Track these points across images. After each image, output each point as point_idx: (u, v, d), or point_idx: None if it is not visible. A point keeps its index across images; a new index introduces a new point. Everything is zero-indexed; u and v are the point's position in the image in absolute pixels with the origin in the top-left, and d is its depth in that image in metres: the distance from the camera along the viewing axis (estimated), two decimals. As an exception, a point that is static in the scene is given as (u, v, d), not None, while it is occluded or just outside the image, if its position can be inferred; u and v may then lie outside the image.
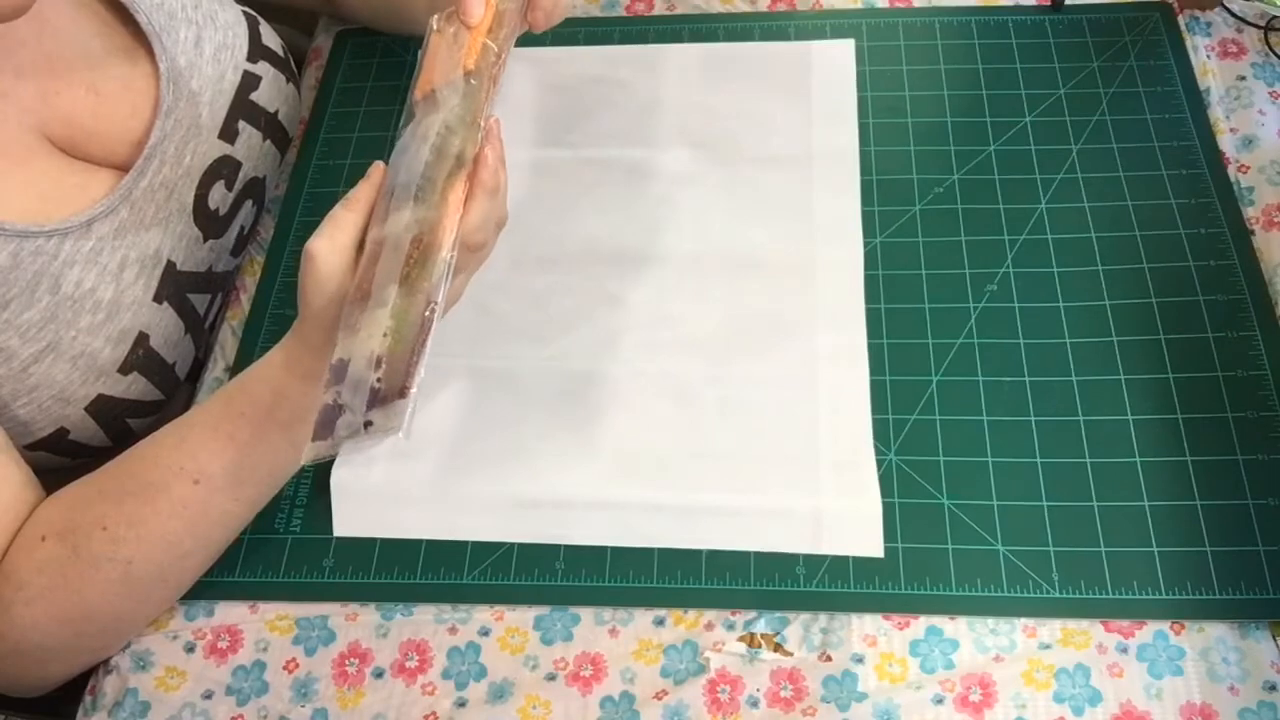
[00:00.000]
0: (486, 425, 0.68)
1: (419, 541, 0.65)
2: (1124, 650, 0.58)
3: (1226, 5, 0.80)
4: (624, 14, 0.88)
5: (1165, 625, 0.59)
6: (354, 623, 0.63)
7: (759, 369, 0.68)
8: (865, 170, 0.76)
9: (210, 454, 0.58)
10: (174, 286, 0.67)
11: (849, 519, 0.63)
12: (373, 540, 0.65)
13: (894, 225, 0.73)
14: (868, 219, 0.74)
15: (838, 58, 0.82)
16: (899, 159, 0.77)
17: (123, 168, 0.64)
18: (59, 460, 0.66)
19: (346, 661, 0.62)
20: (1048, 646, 0.59)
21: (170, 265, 0.66)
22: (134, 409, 0.67)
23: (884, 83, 0.81)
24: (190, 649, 0.63)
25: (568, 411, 0.68)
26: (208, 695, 0.62)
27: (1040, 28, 0.82)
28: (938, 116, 0.78)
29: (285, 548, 0.66)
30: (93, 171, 0.64)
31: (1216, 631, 0.58)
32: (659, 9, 0.88)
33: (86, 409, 0.64)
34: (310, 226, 0.77)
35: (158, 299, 0.65)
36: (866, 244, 0.73)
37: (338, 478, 0.66)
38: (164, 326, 0.66)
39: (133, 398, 0.66)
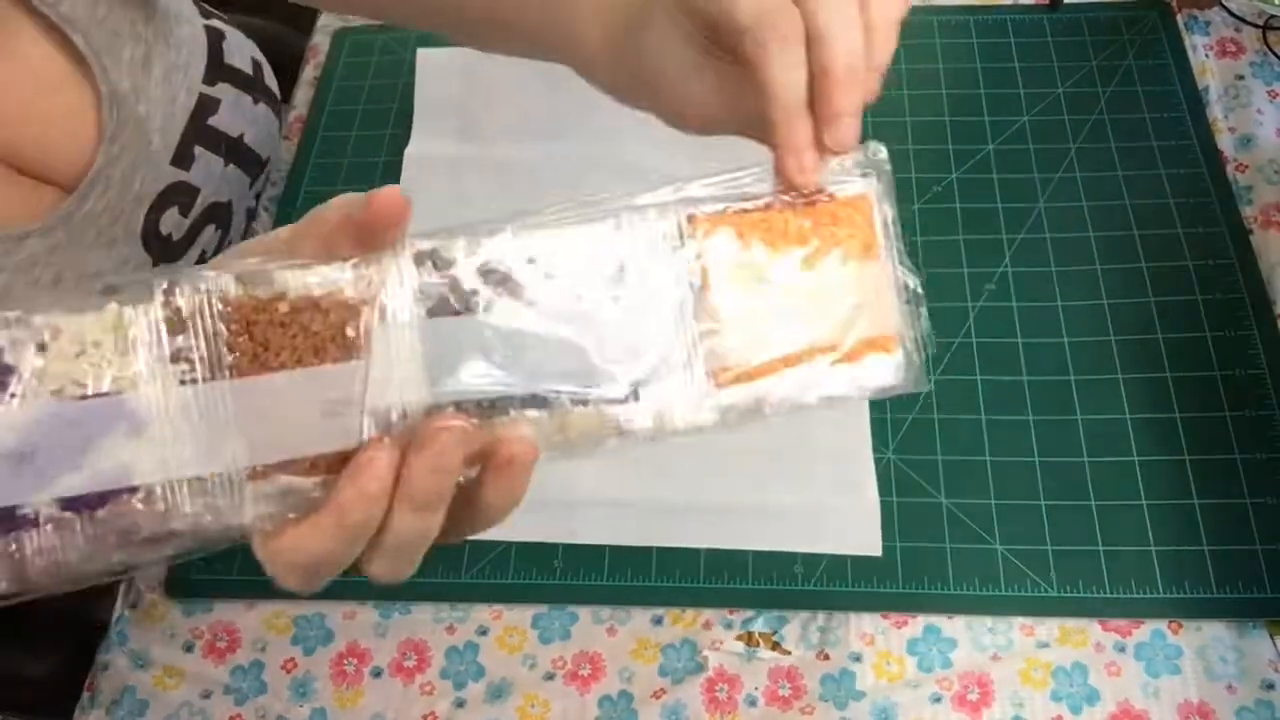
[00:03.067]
0: None
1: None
2: (1121, 649, 0.58)
3: (1225, 4, 0.80)
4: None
5: (1163, 624, 0.59)
6: (352, 621, 0.63)
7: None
8: (864, 169, 0.76)
9: None
10: None
11: (847, 518, 0.63)
12: (371, 539, 0.65)
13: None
14: (866, 218, 0.74)
15: None
16: (897, 158, 0.75)
17: (69, 188, 0.61)
18: None
19: (345, 661, 0.62)
20: (1045, 645, 0.59)
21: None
22: None
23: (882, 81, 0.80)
24: (189, 648, 0.63)
25: None
26: (206, 695, 0.62)
27: (1038, 26, 0.82)
28: (936, 115, 0.78)
29: (283, 546, 0.65)
30: (40, 187, 0.61)
31: (1214, 630, 0.58)
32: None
33: None
34: (308, 225, 0.78)
35: None
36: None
37: None
38: None
39: None
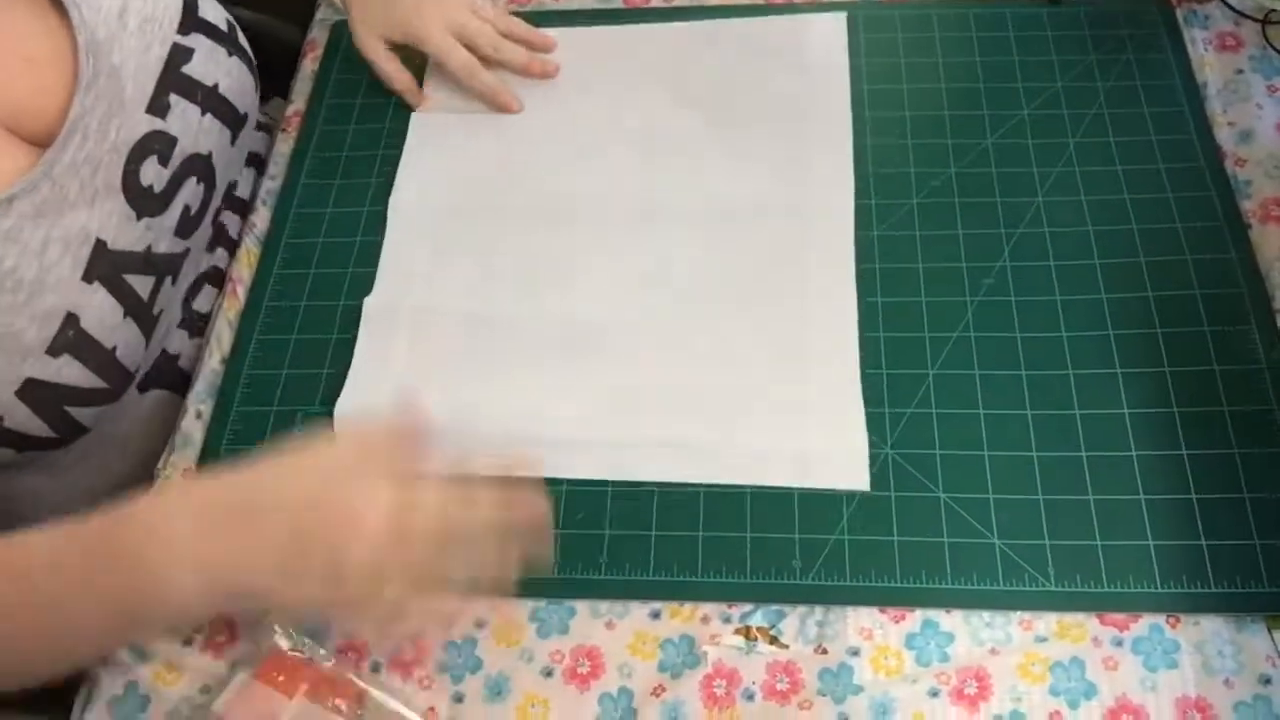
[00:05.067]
0: (483, 369, 0.70)
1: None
2: (1119, 643, 0.58)
3: (1224, -2, 0.80)
4: (622, 6, 0.88)
5: (1161, 619, 0.59)
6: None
7: (751, 314, 0.70)
8: (862, 165, 0.76)
9: None
10: (107, 266, 0.63)
11: (835, 453, 0.65)
12: (369, 533, 0.65)
13: (891, 219, 0.73)
14: (864, 212, 0.74)
15: (830, 28, 0.83)
16: (896, 152, 0.77)
17: (42, 144, 0.61)
18: (3, 452, 0.64)
19: (343, 655, 0.62)
20: (1043, 639, 0.59)
21: (100, 244, 0.63)
22: (72, 396, 0.64)
23: (881, 76, 0.80)
24: (188, 642, 0.63)
25: (563, 356, 0.70)
26: (206, 690, 0.62)
27: (1038, 21, 0.82)
28: (935, 110, 0.78)
29: (282, 541, 0.65)
30: (12, 145, 0.61)
31: (1212, 625, 0.58)
32: (656, 1, 0.87)
33: (17, 394, 0.61)
34: (306, 218, 0.79)
35: (87, 278, 0.62)
36: (864, 237, 0.73)
37: (341, 408, 0.69)
38: (97, 308, 0.63)
39: (68, 383, 0.63)
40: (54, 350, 0.61)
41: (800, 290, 0.71)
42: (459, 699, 0.60)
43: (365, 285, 0.74)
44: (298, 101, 0.86)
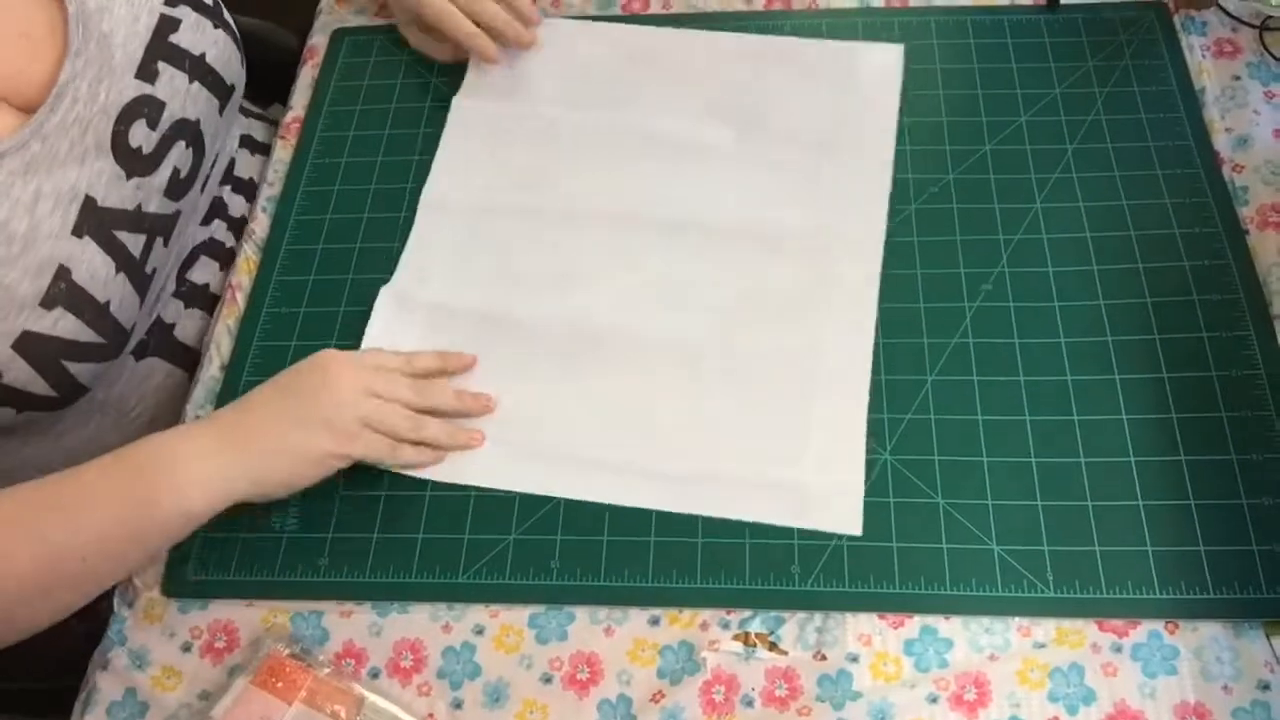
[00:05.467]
0: (493, 372, 0.70)
1: (415, 540, 0.65)
2: (1118, 649, 0.58)
3: (1222, 5, 0.80)
4: (620, 12, 0.88)
5: (1159, 625, 0.59)
6: (348, 621, 0.63)
7: (766, 343, 0.70)
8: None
9: None
10: (96, 222, 0.66)
11: (831, 495, 0.64)
12: (368, 539, 0.65)
13: (890, 224, 0.73)
14: (863, 218, 0.74)
15: (886, 59, 0.82)
16: (895, 158, 0.77)
17: (33, 110, 0.64)
18: (3, 412, 0.66)
19: (342, 661, 0.62)
20: (1042, 646, 0.59)
21: (90, 200, 0.65)
22: (68, 350, 0.65)
23: (880, 82, 0.81)
24: (187, 648, 0.63)
25: (573, 366, 0.70)
26: (204, 696, 0.62)
27: (1036, 27, 0.82)
28: (933, 116, 0.78)
29: (281, 546, 0.66)
30: (4, 110, 0.63)
31: (1210, 631, 0.58)
32: (655, 8, 0.87)
33: (14, 346, 0.62)
34: (306, 225, 0.79)
35: (77, 233, 0.64)
36: (862, 243, 0.73)
37: None
38: (88, 261, 0.65)
39: (64, 336, 0.64)
40: (47, 303, 0.63)
41: (819, 325, 0.70)
42: (458, 705, 0.60)
43: (365, 291, 0.74)
44: (297, 108, 0.86)
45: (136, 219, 0.69)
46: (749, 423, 0.67)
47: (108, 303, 0.67)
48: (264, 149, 0.88)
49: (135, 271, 0.69)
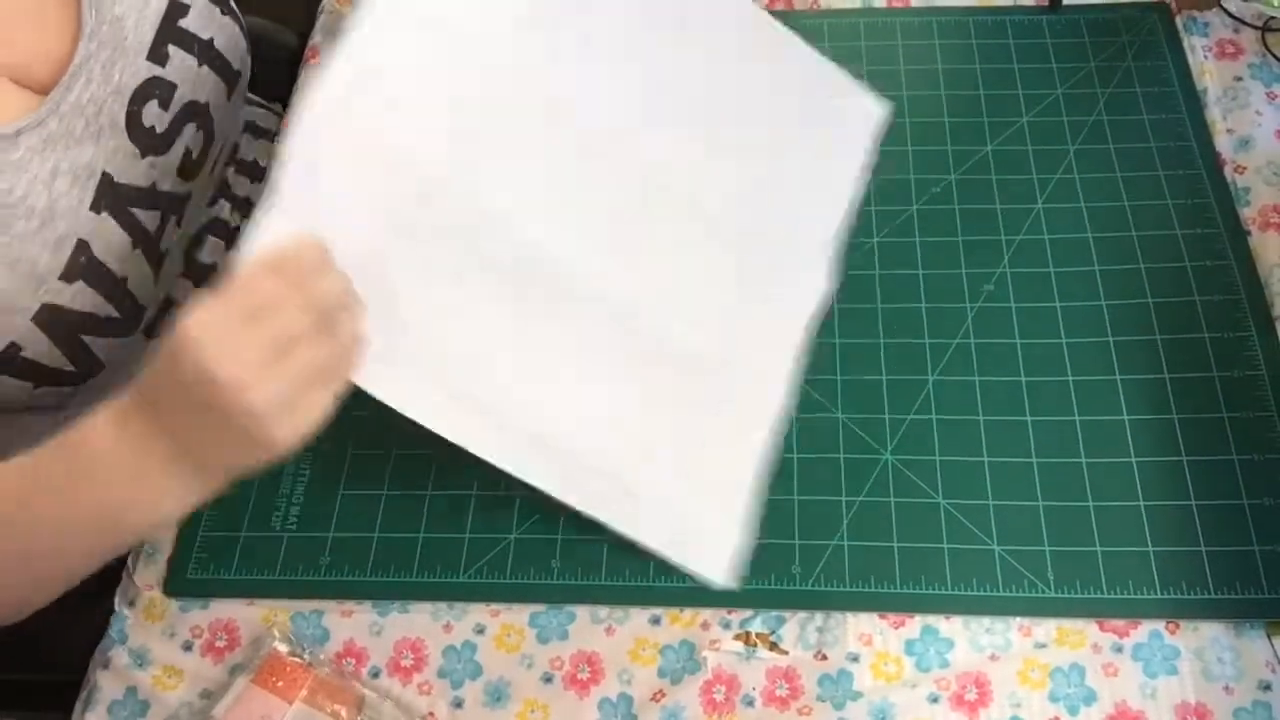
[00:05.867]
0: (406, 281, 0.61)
1: (415, 539, 0.65)
2: (1119, 650, 0.58)
3: (1224, 6, 0.80)
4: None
5: (1160, 625, 0.59)
6: (349, 620, 0.63)
7: (682, 337, 0.66)
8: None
9: None
10: (113, 198, 0.67)
11: (705, 536, 0.62)
12: (369, 538, 0.65)
13: (891, 225, 0.73)
14: (865, 218, 0.74)
15: (868, 110, 0.77)
16: (896, 159, 0.77)
17: (40, 89, 0.65)
18: (21, 387, 0.66)
19: (343, 660, 0.62)
20: (1043, 646, 0.59)
21: (106, 176, 0.66)
22: (88, 324, 0.66)
23: (881, 83, 0.80)
24: (188, 647, 0.63)
25: (501, 298, 0.62)
26: (205, 695, 0.62)
27: (1038, 28, 0.82)
28: (935, 116, 0.78)
29: (281, 545, 0.66)
30: (18, 92, 0.64)
31: (1211, 631, 0.58)
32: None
33: (34, 320, 0.63)
34: (307, 225, 0.78)
35: (95, 208, 0.65)
36: (864, 243, 0.73)
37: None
38: (106, 237, 0.66)
39: (82, 309, 0.66)
40: (68, 276, 0.64)
41: (738, 337, 0.67)
42: (458, 704, 0.60)
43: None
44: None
45: (152, 196, 0.70)
46: (651, 422, 0.64)
47: (125, 278, 0.68)
48: (266, 134, 0.89)
49: (150, 248, 0.70)
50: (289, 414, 0.51)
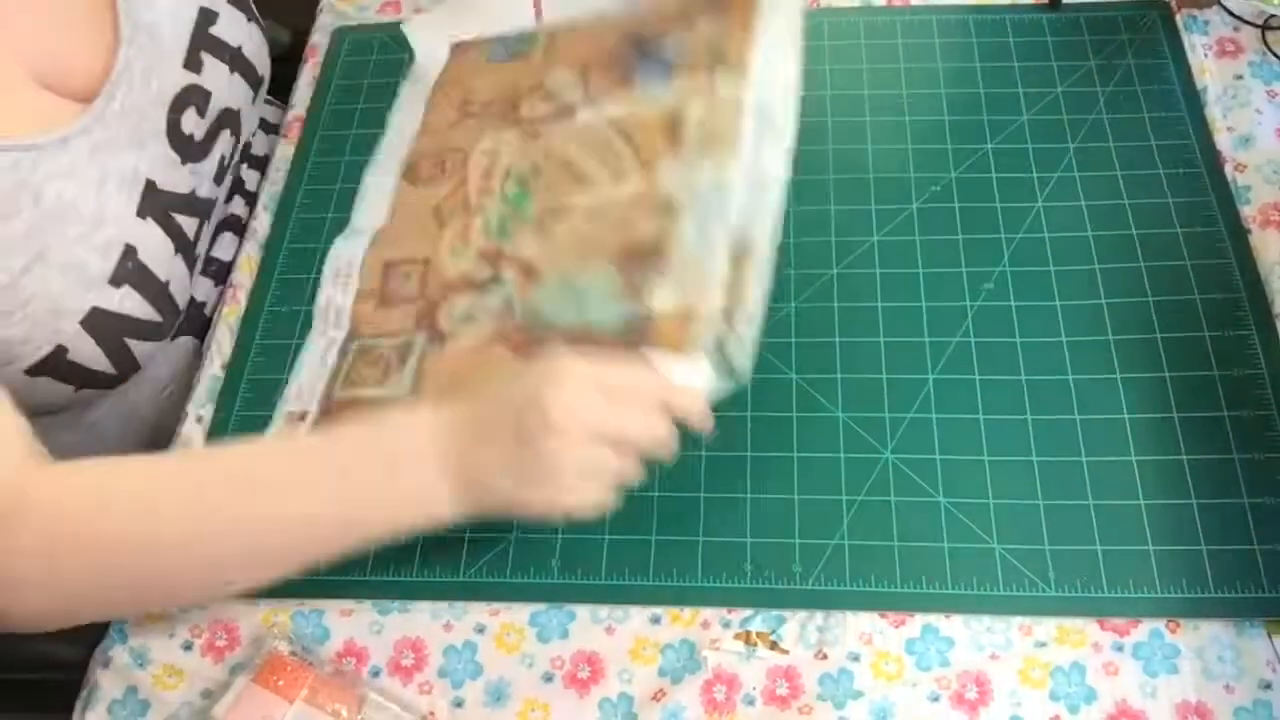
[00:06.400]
0: None
1: (416, 538, 0.65)
2: (1119, 649, 0.58)
3: (1224, 4, 0.80)
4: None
5: (1161, 624, 0.59)
6: (349, 619, 0.63)
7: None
8: (862, 169, 0.76)
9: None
10: (157, 205, 0.68)
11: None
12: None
13: (891, 223, 0.73)
14: (864, 217, 0.74)
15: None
16: (896, 157, 0.77)
17: (85, 100, 0.66)
18: (63, 389, 0.67)
19: (343, 660, 0.62)
20: (1043, 645, 0.59)
21: (150, 183, 0.68)
22: (131, 327, 0.67)
23: (881, 81, 0.81)
24: (188, 647, 0.63)
25: None
26: (206, 694, 0.62)
27: (1038, 26, 0.82)
28: (935, 115, 0.78)
29: (282, 545, 0.66)
30: (59, 101, 0.65)
31: (1212, 630, 0.58)
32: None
33: (81, 323, 0.64)
34: (307, 224, 0.79)
35: (141, 214, 0.67)
36: (864, 242, 0.73)
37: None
38: (151, 242, 0.68)
39: (128, 314, 0.67)
40: (116, 280, 0.65)
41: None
42: (459, 704, 0.60)
43: (365, 290, 0.74)
44: (298, 107, 0.86)
45: (191, 203, 0.72)
46: None
47: (168, 282, 0.69)
48: (273, 128, 0.89)
49: (189, 253, 0.72)
50: (573, 484, 0.54)
